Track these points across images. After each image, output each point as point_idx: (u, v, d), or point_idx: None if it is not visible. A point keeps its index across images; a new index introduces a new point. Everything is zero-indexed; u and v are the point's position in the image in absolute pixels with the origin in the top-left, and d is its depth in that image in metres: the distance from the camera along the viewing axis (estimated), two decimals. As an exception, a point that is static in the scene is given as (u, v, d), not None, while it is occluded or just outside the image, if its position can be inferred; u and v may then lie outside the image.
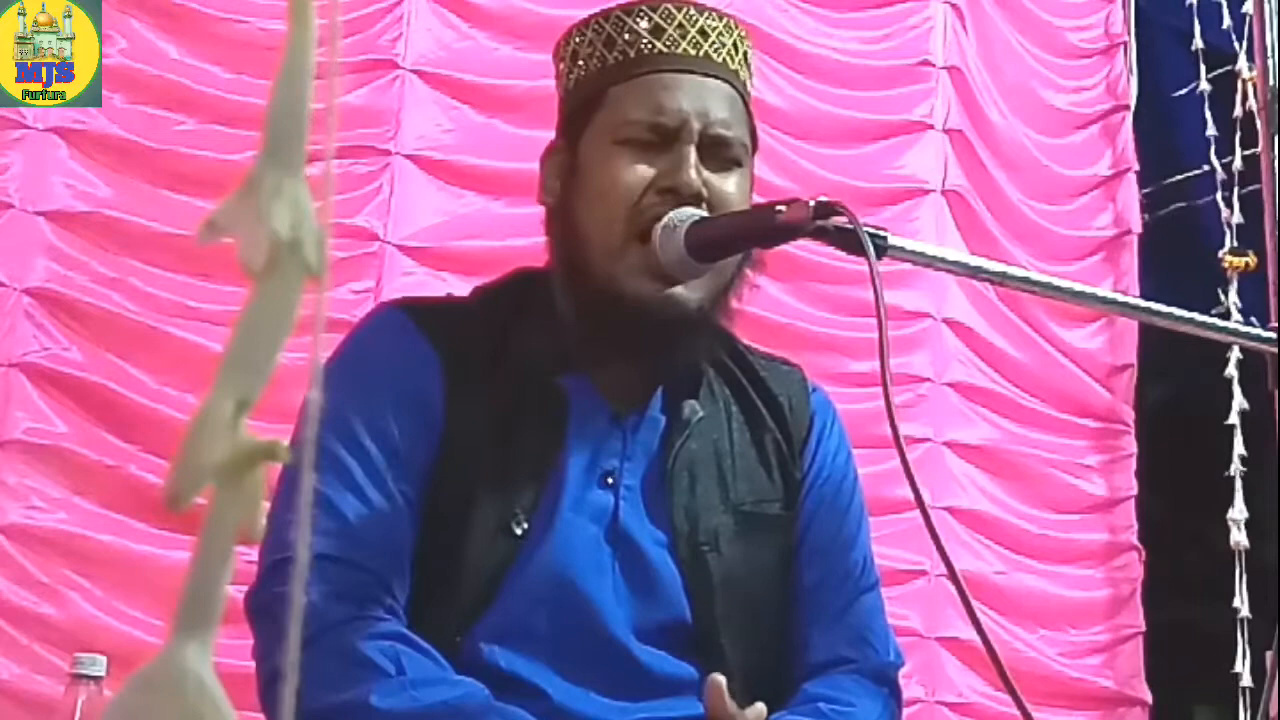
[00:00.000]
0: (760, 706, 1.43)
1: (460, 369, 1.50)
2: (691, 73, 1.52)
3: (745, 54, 1.59)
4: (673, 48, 1.52)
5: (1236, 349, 3.87)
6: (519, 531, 1.45)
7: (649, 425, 1.54)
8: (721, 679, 1.41)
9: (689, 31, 1.53)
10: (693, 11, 1.55)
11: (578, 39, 1.58)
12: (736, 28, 1.59)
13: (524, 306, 1.56)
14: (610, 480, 1.50)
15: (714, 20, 1.56)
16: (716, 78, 1.53)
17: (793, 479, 1.59)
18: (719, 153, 1.51)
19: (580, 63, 1.56)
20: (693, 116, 1.50)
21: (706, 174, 1.49)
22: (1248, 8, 3.61)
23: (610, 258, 1.48)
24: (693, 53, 1.53)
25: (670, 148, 1.49)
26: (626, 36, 1.53)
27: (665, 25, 1.53)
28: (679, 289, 1.47)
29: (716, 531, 1.52)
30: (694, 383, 1.57)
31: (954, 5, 4.02)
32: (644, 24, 1.53)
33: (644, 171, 1.49)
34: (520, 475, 1.47)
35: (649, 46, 1.52)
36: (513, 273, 1.64)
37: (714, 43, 1.54)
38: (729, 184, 1.51)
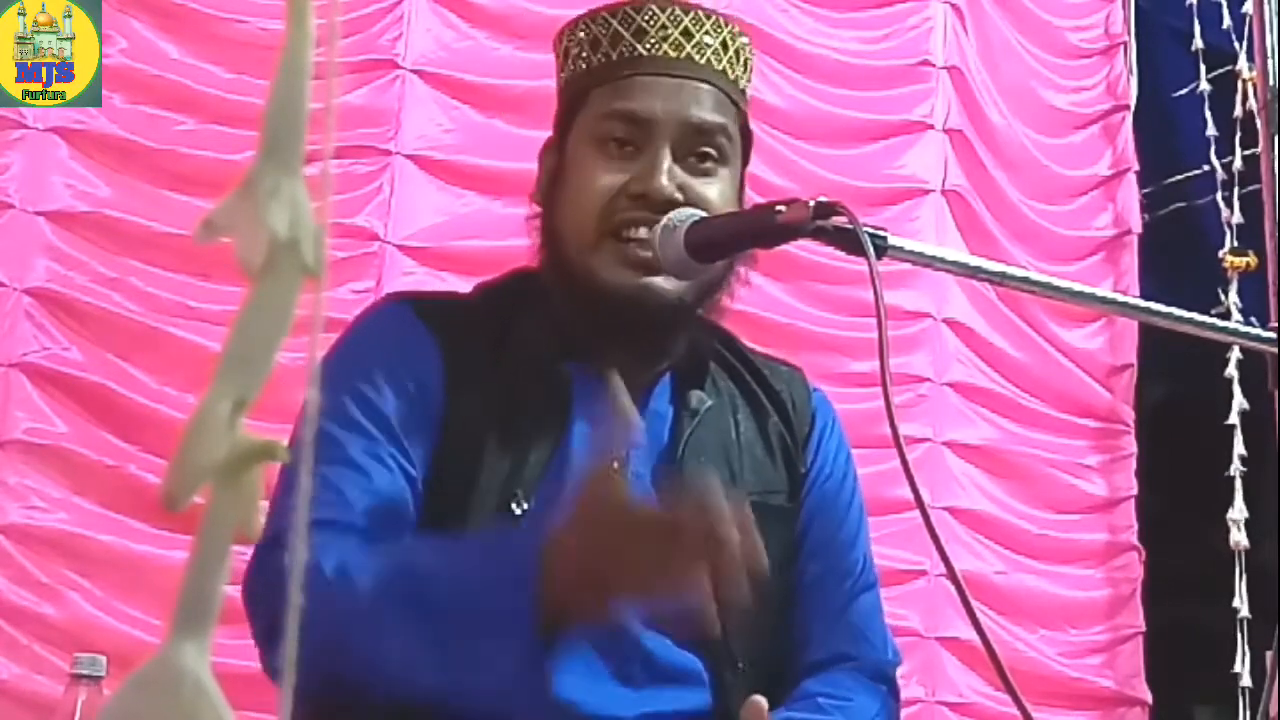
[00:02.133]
0: (760, 700, 1.42)
1: (461, 359, 1.50)
2: (671, 75, 1.52)
3: (737, 52, 1.57)
4: (653, 50, 1.52)
5: (1236, 349, 3.87)
6: (518, 511, 1.44)
7: (655, 415, 1.54)
8: (762, 702, 1.40)
9: (671, 33, 1.53)
10: (678, 12, 1.54)
11: (569, 38, 1.58)
12: (726, 26, 1.57)
13: (523, 301, 1.57)
14: (618, 467, 1.51)
15: (700, 20, 1.55)
16: (697, 79, 1.52)
17: (796, 471, 1.59)
18: (697, 154, 1.51)
19: (569, 62, 1.57)
20: (668, 118, 1.49)
21: (685, 177, 1.49)
22: (1248, 8, 3.61)
23: (584, 253, 1.49)
24: (673, 54, 1.52)
25: (645, 151, 1.49)
26: (610, 39, 1.53)
27: (648, 27, 1.53)
28: (657, 279, 1.46)
29: None
30: (699, 374, 1.57)
31: (954, 5, 4.02)
32: (627, 26, 1.53)
33: (615, 177, 1.49)
34: (522, 457, 1.47)
35: (630, 49, 1.52)
36: (512, 271, 1.65)
37: (697, 44, 1.53)
38: (709, 188, 1.50)
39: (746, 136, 1.58)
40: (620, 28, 1.53)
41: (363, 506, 1.40)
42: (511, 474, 1.46)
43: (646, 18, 1.53)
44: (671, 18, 1.54)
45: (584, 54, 1.55)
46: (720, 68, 1.55)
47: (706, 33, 1.54)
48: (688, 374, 1.57)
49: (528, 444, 1.48)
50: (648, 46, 1.52)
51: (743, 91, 1.58)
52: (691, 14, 1.55)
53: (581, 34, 1.56)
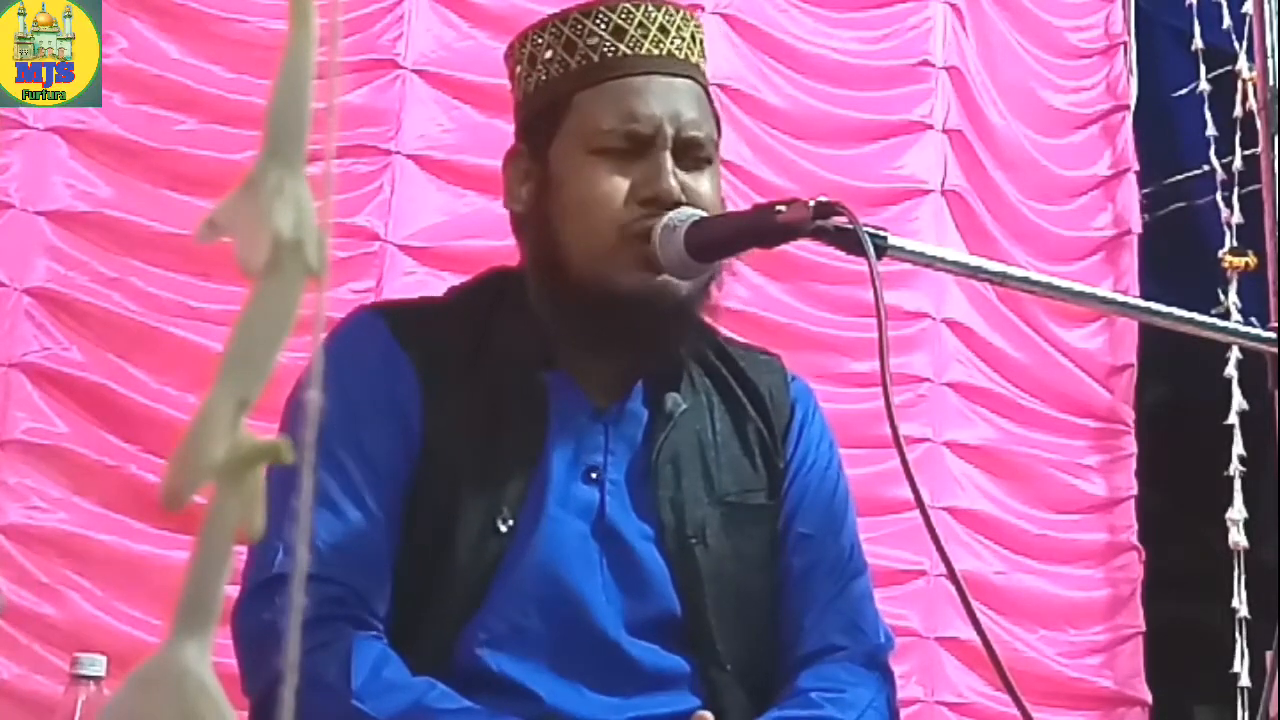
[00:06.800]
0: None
1: (436, 372, 1.50)
2: (658, 74, 1.52)
3: (701, 41, 1.59)
4: (635, 49, 1.52)
5: (1236, 349, 3.87)
6: (504, 529, 1.45)
7: (631, 419, 1.54)
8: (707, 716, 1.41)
9: (649, 30, 1.53)
10: (650, 8, 1.54)
11: (535, 41, 1.56)
12: (691, 18, 1.59)
13: (500, 304, 1.56)
14: (595, 475, 1.51)
15: (670, 14, 1.56)
16: (681, 76, 1.54)
17: (776, 468, 1.59)
18: (691, 153, 1.52)
19: (539, 67, 1.55)
20: (665, 121, 1.50)
21: (682, 176, 1.50)
22: (1248, 8, 3.61)
23: (597, 259, 1.48)
24: (656, 52, 1.52)
25: (645, 154, 1.49)
26: (588, 40, 1.52)
27: (626, 25, 1.52)
28: (670, 277, 1.47)
29: (703, 524, 1.52)
30: (675, 375, 1.57)
31: (954, 5, 4.02)
32: (604, 26, 1.52)
33: (621, 182, 1.49)
34: (504, 472, 1.47)
35: (612, 49, 1.52)
36: (487, 271, 1.64)
37: (674, 38, 1.54)
38: (703, 184, 1.51)
39: (719, 125, 1.58)
40: (596, 27, 1.52)
41: (342, 554, 1.40)
42: (494, 492, 1.46)
43: (622, 16, 1.53)
44: (646, 15, 1.54)
45: (558, 57, 1.53)
46: (695, 60, 1.56)
47: (677, 26, 1.55)
48: (664, 375, 1.56)
49: (508, 460, 1.48)
50: (629, 45, 1.52)
51: (707, 82, 1.59)
52: (663, 9, 1.55)
53: (550, 36, 1.55)
